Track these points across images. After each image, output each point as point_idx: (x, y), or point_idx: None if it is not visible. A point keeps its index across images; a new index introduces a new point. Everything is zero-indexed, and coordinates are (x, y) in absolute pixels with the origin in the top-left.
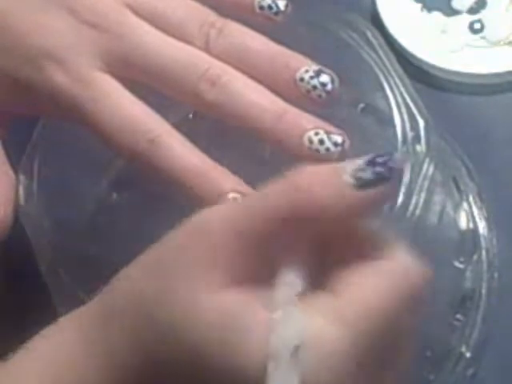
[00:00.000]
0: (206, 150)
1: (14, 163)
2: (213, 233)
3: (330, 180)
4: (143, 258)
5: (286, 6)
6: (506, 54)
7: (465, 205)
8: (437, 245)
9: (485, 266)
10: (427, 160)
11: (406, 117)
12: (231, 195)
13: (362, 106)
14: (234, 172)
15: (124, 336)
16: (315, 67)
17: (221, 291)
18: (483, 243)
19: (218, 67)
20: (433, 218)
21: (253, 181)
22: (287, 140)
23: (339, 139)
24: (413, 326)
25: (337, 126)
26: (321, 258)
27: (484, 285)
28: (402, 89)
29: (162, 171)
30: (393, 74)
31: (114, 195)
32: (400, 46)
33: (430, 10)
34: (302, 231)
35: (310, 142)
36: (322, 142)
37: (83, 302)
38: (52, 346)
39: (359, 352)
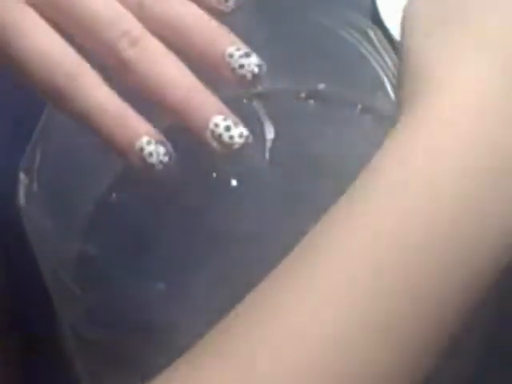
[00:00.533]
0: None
1: (15, 163)
2: None
3: None
4: None
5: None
6: None
7: None
8: None
9: None
10: None
11: None
12: (145, 139)
13: (362, 105)
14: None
15: None
16: (247, 49)
17: None
18: None
19: (140, 31)
20: None
21: None
22: (192, 117)
23: (245, 132)
24: None
25: (337, 125)
26: None
27: None
28: None
29: (77, 111)
30: (394, 72)
31: (114, 195)
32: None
33: None
34: None
35: (216, 125)
36: (228, 128)
37: (83, 303)
38: None
39: None
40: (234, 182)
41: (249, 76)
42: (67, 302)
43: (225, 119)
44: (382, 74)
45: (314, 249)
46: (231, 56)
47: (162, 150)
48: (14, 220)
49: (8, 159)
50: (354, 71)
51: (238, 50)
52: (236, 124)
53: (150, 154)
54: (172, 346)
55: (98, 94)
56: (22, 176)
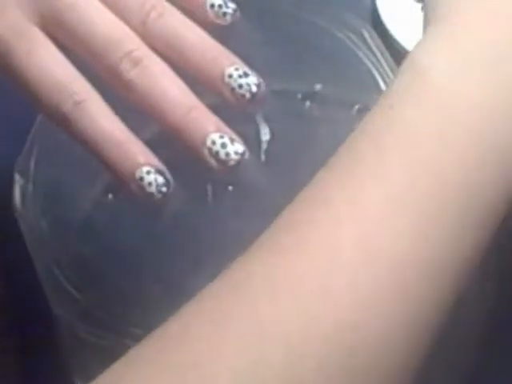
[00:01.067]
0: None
1: (10, 164)
2: None
3: None
4: None
5: (235, 10)
6: None
7: None
8: None
9: None
10: None
11: None
12: (145, 169)
13: (358, 106)
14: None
15: None
16: (246, 68)
17: None
18: None
19: (142, 51)
20: None
21: None
22: (190, 135)
23: (241, 149)
24: None
25: (333, 126)
26: None
27: None
28: None
29: (81, 136)
30: (390, 74)
31: (110, 196)
32: (400, 45)
33: None
34: None
35: (213, 143)
36: (224, 145)
37: (79, 303)
38: None
39: None
40: (230, 187)
41: (248, 96)
42: (64, 303)
43: (221, 136)
44: (377, 74)
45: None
46: (230, 76)
47: (161, 180)
48: (10, 221)
49: (3, 160)
50: (350, 72)
51: (237, 69)
52: (232, 141)
53: (150, 184)
54: None
55: (102, 121)
56: (17, 177)
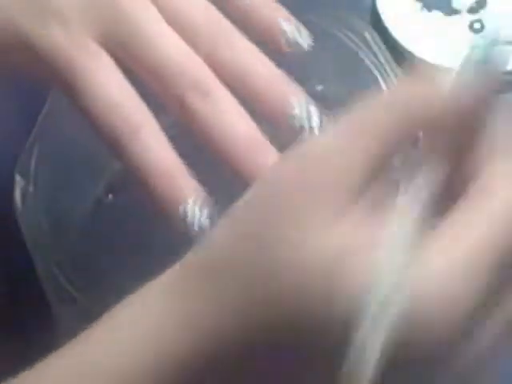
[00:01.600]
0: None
1: (11, 165)
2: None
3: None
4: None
5: (309, 38)
6: (506, 54)
7: None
8: None
9: None
10: None
11: None
12: (190, 204)
13: None
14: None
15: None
16: (310, 108)
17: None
18: None
19: (212, 81)
20: None
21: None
22: (248, 173)
23: None
24: None
25: None
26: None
27: None
28: None
29: (132, 164)
30: (391, 74)
31: (110, 197)
32: (399, 45)
33: (430, 9)
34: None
35: None
36: None
37: (79, 304)
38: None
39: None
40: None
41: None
42: (64, 303)
43: None
44: (378, 75)
45: None
46: (294, 116)
47: (204, 216)
48: (10, 221)
49: (4, 160)
50: (350, 73)
51: (301, 109)
52: None
53: (192, 218)
54: None
55: (154, 150)
56: (18, 178)
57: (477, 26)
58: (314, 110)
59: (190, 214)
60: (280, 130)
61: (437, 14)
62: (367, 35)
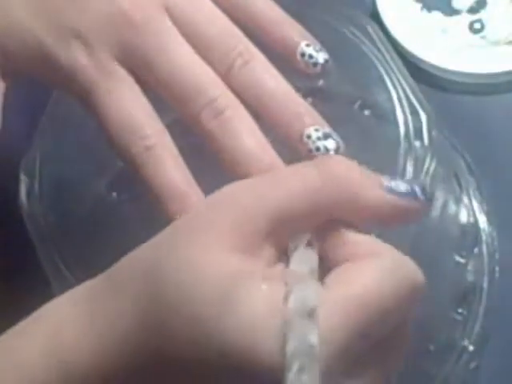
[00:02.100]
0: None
1: (16, 162)
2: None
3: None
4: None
5: (326, 61)
6: (505, 54)
7: (465, 199)
8: (438, 239)
9: (486, 259)
10: (429, 155)
11: (407, 111)
12: None
13: (361, 100)
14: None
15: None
16: (326, 129)
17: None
18: (484, 237)
19: (228, 99)
20: (434, 213)
21: None
22: None
23: None
24: (405, 319)
25: (336, 120)
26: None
27: (485, 278)
28: (404, 83)
29: (145, 179)
30: (394, 68)
31: (114, 195)
32: (400, 45)
33: (430, 9)
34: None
35: None
36: None
37: None
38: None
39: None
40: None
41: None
42: None
43: None
44: (381, 69)
45: None
46: (309, 137)
47: None
48: (16, 219)
49: (9, 159)
50: (353, 67)
51: (317, 130)
52: None
53: None
54: None
55: (168, 170)
56: (22, 176)
57: (477, 26)
58: (331, 138)
59: None
60: (297, 152)
61: (437, 14)
62: (369, 28)
